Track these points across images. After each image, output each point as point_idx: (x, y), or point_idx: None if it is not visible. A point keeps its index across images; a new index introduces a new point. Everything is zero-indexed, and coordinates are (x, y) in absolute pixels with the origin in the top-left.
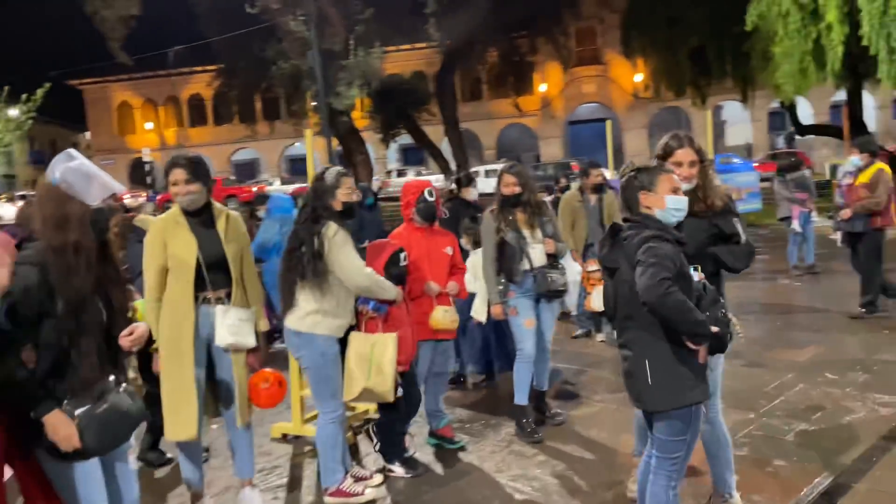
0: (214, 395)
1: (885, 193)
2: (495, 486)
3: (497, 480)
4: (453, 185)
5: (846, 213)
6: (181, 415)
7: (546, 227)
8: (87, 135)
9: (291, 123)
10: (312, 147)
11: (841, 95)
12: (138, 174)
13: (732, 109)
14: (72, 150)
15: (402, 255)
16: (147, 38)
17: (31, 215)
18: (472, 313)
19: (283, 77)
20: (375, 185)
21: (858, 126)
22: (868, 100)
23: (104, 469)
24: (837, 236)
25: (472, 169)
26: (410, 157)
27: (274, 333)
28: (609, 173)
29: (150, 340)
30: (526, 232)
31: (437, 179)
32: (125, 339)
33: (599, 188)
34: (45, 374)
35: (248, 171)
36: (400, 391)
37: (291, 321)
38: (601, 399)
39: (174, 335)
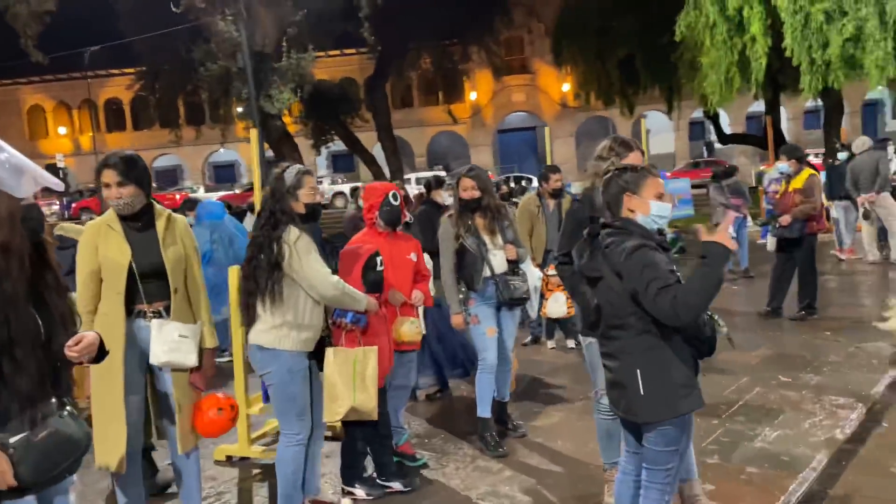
0: (157, 416)
1: (819, 198)
2: None
3: (466, 498)
4: (422, 189)
5: (786, 220)
6: (108, 443)
7: (507, 233)
8: None
9: (219, 128)
10: (241, 152)
11: (756, 106)
12: None
13: (655, 119)
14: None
15: (378, 260)
16: (61, 36)
17: None
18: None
19: (211, 79)
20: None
21: (777, 136)
22: (781, 111)
23: None
24: (768, 241)
25: (405, 176)
26: (340, 163)
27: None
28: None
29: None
30: (486, 238)
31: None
32: (72, 350)
33: (558, 193)
34: None
35: (169, 178)
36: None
37: (255, 336)
38: (561, 408)
39: None
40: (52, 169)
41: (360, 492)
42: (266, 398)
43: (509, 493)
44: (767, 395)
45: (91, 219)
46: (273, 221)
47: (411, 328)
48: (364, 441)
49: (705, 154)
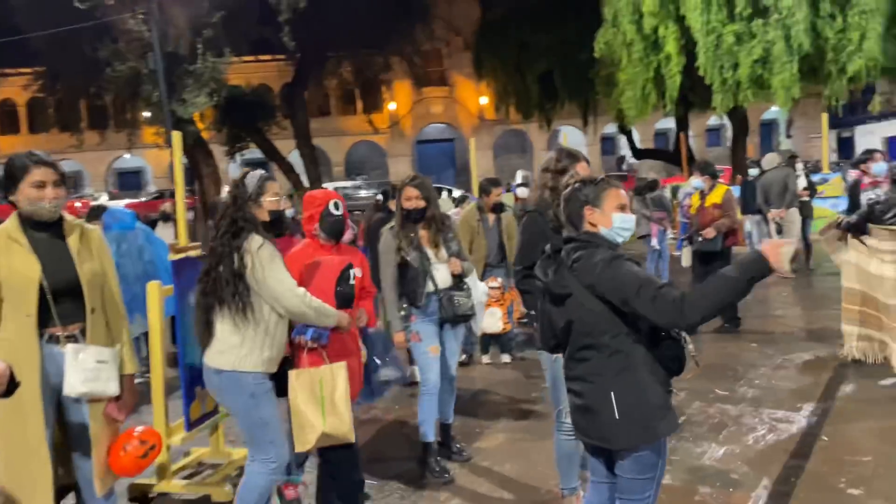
0: (66, 454)
1: (735, 213)
2: None
3: None
4: (380, 196)
5: (711, 233)
6: (29, 487)
7: (451, 245)
8: None
9: (125, 133)
10: (149, 159)
11: (663, 123)
12: None
13: (569, 133)
14: None
15: (351, 273)
16: None
17: None
18: None
19: (119, 81)
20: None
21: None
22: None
23: None
24: (682, 255)
25: (324, 185)
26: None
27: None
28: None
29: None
30: (430, 251)
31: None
32: None
33: (499, 207)
34: None
35: (70, 184)
36: None
37: (211, 358)
38: (504, 428)
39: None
40: None
41: None
42: (189, 425)
43: None
44: (707, 410)
45: None
46: (234, 230)
47: None
48: (336, 467)
49: (619, 168)
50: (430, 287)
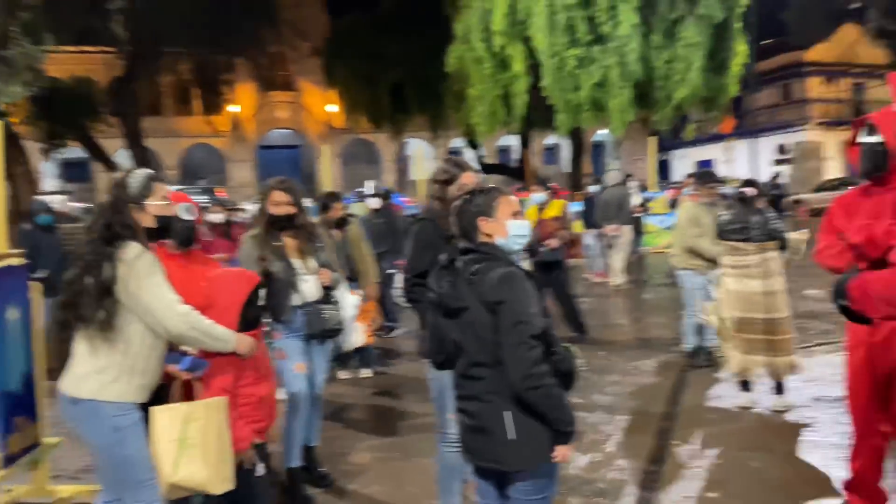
0: None
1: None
2: None
3: None
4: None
5: (554, 243)
6: None
7: (320, 255)
8: None
9: None
10: None
11: (506, 140)
12: None
13: (417, 146)
14: None
15: (262, 293)
16: None
17: None
18: None
19: None
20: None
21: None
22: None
23: None
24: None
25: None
26: (73, 172)
27: None
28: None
29: None
30: (297, 261)
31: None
32: None
33: (342, 222)
34: None
35: None
36: (261, 469)
37: (68, 383)
38: (369, 447)
39: None
40: None
41: None
42: (7, 460)
43: None
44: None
45: None
46: (108, 236)
47: None
48: None
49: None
50: (296, 300)
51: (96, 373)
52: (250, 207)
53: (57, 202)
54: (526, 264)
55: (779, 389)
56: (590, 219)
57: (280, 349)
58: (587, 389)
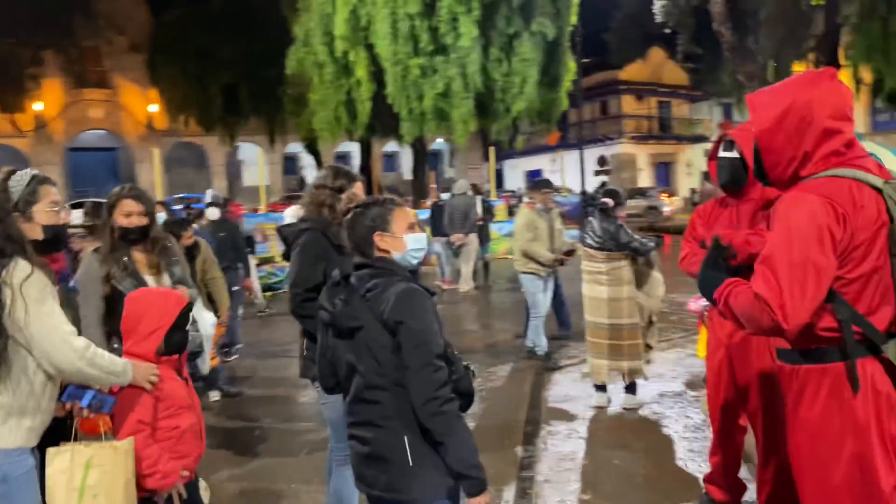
0: None
1: None
2: None
3: None
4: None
5: None
6: None
7: (174, 271)
8: None
9: None
10: None
11: (345, 146)
12: None
13: (250, 150)
14: None
15: (191, 315)
16: None
17: None
18: None
19: None
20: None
21: (368, 173)
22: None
23: None
24: None
25: None
26: None
27: None
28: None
29: None
30: (149, 278)
31: None
32: None
33: (192, 252)
34: None
35: None
36: None
37: None
38: (230, 476)
39: None
40: None
41: None
42: None
43: None
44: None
45: None
46: None
47: None
48: None
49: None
50: None
51: None
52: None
53: None
54: None
55: (630, 389)
56: (437, 227)
57: None
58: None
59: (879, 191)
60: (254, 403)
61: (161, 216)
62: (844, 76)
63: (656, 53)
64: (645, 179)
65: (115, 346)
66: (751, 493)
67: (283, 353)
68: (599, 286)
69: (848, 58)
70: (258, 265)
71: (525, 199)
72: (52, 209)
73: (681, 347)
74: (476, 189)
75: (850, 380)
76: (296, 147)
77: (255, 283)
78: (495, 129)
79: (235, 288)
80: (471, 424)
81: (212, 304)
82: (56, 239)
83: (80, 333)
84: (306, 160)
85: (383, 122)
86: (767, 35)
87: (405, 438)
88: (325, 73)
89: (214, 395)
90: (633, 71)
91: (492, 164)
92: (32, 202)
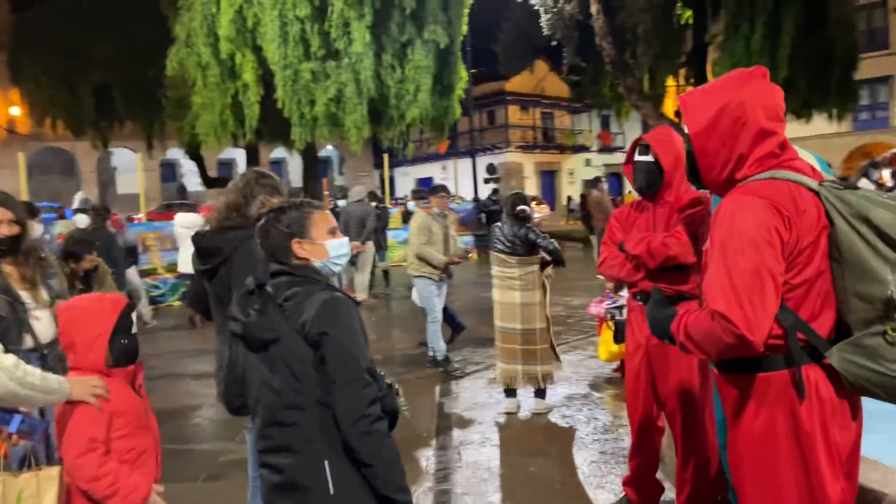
0: None
1: None
2: None
3: None
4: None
5: None
6: None
7: (52, 285)
8: None
9: None
10: None
11: (229, 153)
12: None
13: (125, 156)
14: None
15: (133, 318)
16: None
17: None
18: None
19: None
20: None
21: None
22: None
23: None
24: None
25: None
26: None
27: None
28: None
29: None
30: (24, 294)
31: None
32: None
33: (89, 276)
34: None
35: None
36: None
37: None
38: None
39: None
40: None
41: None
42: None
43: None
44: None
45: None
46: None
47: None
48: None
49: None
50: (27, 343)
51: None
52: None
53: None
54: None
55: (539, 394)
56: None
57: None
58: None
59: (816, 193)
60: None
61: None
62: None
63: (540, 66)
64: (532, 187)
65: None
66: (668, 493)
67: (171, 370)
68: (512, 291)
69: (715, 74)
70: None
71: (410, 205)
72: None
73: (581, 350)
74: (374, 196)
75: (795, 388)
76: (176, 153)
77: (143, 296)
78: (389, 135)
79: None
80: None
81: None
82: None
83: None
84: (187, 166)
85: (272, 127)
86: (644, 50)
87: (326, 464)
88: (209, 76)
89: None
90: (518, 82)
91: (386, 171)
92: None
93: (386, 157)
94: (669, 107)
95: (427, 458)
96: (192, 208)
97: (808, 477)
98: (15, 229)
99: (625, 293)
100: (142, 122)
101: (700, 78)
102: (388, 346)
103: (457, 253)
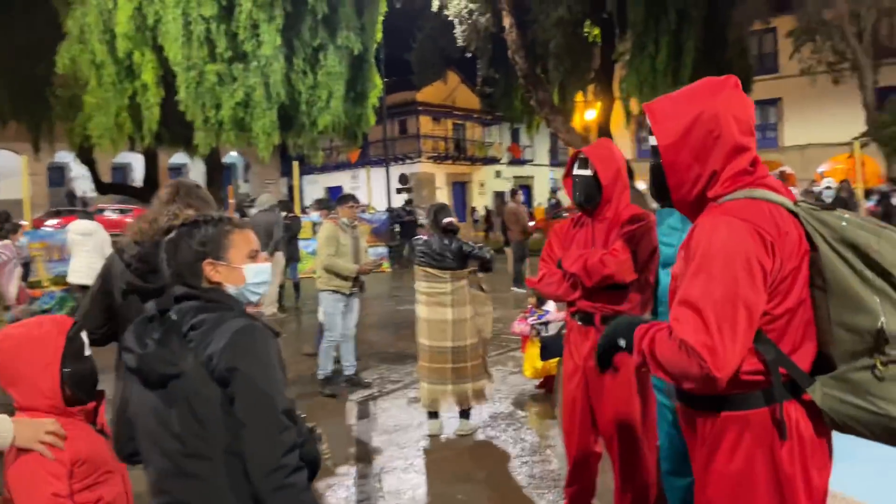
0: None
1: None
2: None
3: None
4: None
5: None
6: None
7: None
8: None
9: None
10: None
11: (123, 157)
12: None
13: (7, 158)
14: None
15: (83, 338)
16: None
17: None
18: None
19: None
20: None
21: (155, 186)
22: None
23: None
24: None
25: None
26: None
27: None
28: None
29: None
30: None
31: None
32: None
33: None
34: None
35: None
36: None
37: None
38: None
39: None
40: None
41: None
42: None
43: None
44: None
45: None
46: None
47: None
48: None
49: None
50: None
51: None
52: None
53: None
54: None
55: (464, 414)
56: None
57: None
58: None
59: (795, 214)
60: None
61: None
62: (617, 107)
63: (452, 78)
64: (443, 197)
65: None
66: None
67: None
68: (443, 308)
69: (621, 90)
70: None
71: (315, 215)
72: None
73: (502, 365)
74: (285, 205)
75: (776, 426)
76: (65, 156)
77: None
78: (300, 142)
79: None
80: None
81: None
82: None
83: None
84: (77, 170)
85: (173, 130)
86: (556, 65)
87: None
88: (104, 75)
89: None
90: (430, 93)
91: (296, 179)
92: None
93: (296, 164)
94: (578, 121)
95: (348, 486)
96: (88, 215)
97: None
98: None
99: (549, 307)
100: (28, 123)
101: (607, 94)
102: (299, 365)
103: (367, 263)
